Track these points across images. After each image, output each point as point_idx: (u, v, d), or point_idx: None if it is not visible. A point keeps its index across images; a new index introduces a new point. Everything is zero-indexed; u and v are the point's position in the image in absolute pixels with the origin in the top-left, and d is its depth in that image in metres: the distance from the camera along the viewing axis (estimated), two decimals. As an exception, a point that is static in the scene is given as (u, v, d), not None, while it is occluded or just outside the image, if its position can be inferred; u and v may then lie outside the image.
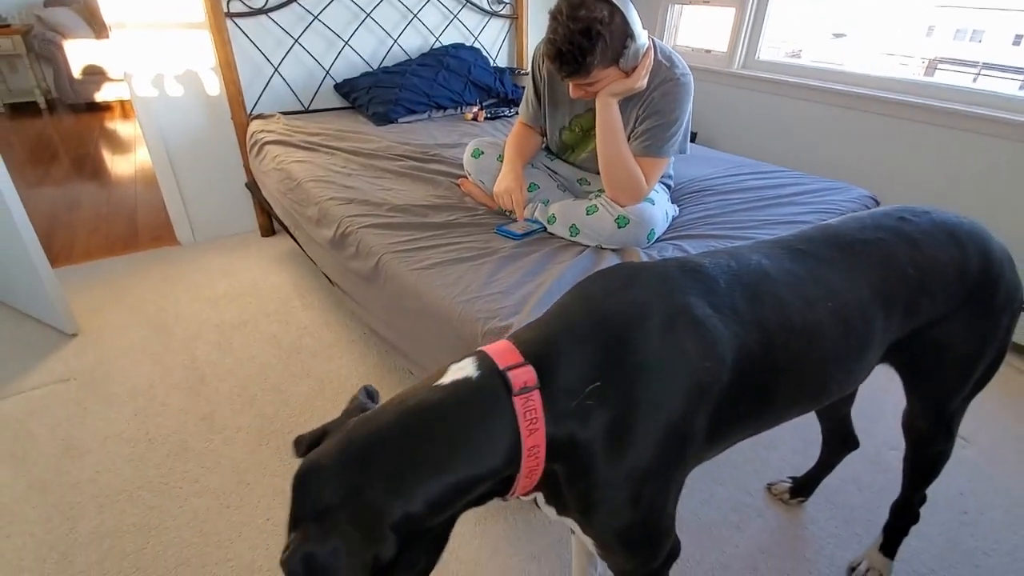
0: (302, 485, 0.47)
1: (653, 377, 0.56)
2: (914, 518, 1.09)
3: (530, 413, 0.50)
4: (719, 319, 0.61)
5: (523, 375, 0.51)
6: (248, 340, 1.79)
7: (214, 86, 2.17)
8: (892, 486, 1.10)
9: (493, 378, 0.52)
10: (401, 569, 0.49)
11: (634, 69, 1.27)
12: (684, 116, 1.34)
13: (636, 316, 0.58)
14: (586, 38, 1.17)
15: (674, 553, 0.71)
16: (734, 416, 0.65)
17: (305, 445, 0.53)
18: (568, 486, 0.56)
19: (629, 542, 0.63)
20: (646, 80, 1.29)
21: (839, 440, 1.22)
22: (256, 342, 1.78)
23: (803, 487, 1.29)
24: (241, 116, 2.18)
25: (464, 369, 0.54)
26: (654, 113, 1.32)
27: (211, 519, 1.22)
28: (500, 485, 0.52)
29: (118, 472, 1.32)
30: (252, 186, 2.25)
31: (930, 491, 1.06)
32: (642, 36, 1.25)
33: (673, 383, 0.57)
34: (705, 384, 0.59)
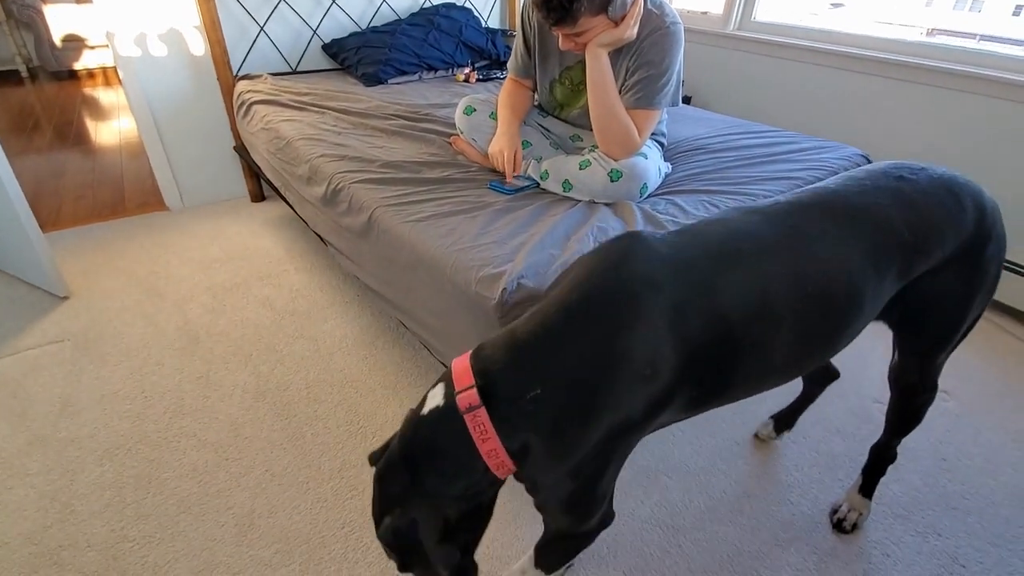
0: (381, 481, 0.67)
1: (586, 384, 0.62)
2: (892, 458, 1.13)
3: (479, 428, 0.61)
4: (674, 319, 0.63)
5: (467, 398, 0.62)
6: (241, 303, 1.79)
7: (199, 46, 2.12)
8: (875, 436, 1.14)
9: (451, 402, 0.63)
10: (463, 530, 0.68)
11: (623, 18, 1.25)
12: (675, 66, 1.33)
13: (579, 321, 0.63)
14: None
15: (606, 521, 0.79)
16: (690, 400, 0.69)
17: (377, 456, 0.70)
18: (523, 471, 0.67)
19: (566, 508, 0.74)
20: (636, 30, 1.28)
21: (819, 371, 1.25)
22: (249, 304, 1.78)
23: (786, 420, 1.33)
24: (227, 77, 2.14)
25: (435, 398, 0.66)
26: (645, 64, 1.30)
27: (210, 471, 1.24)
28: (493, 474, 0.65)
29: (116, 428, 1.34)
30: (240, 149, 2.22)
31: (910, 440, 1.09)
32: None
33: (608, 389, 0.62)
34: (644, 386, 0.64)
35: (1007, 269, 1.88)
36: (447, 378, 0.66)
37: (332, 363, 1.55)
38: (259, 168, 1.99)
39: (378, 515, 0.67)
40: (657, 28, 1.29)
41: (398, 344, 1.64)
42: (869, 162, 1.69)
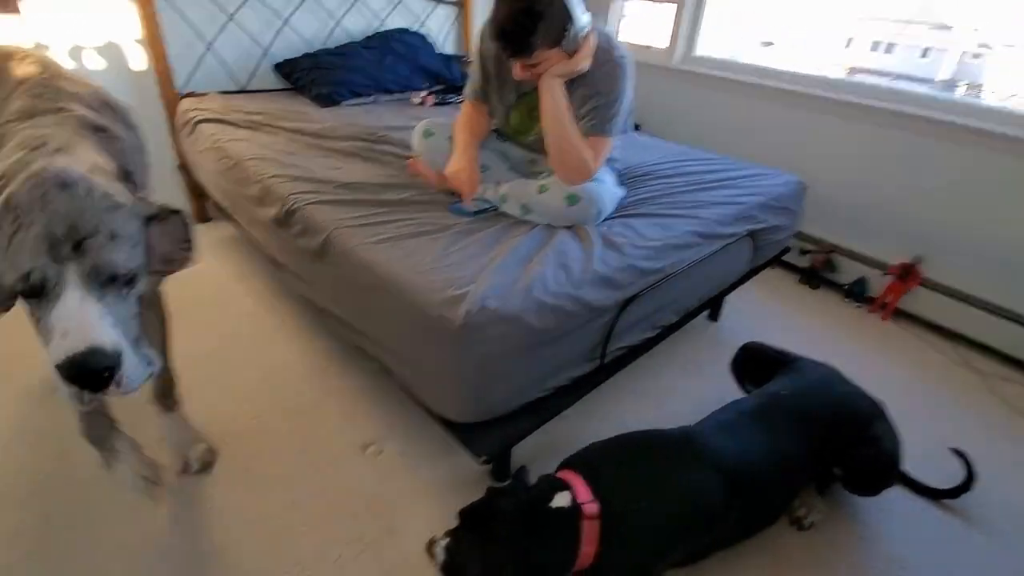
0: (496, 529, 0.91)
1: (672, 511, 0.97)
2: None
3: (591, 534, 0.90)
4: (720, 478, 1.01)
5: (590, 510, 0.91)
6: (182, 328, 1.68)
7: (139, 61, 2.03)
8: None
9: (576, 508, 0.91)
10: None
11: (576, 51, 1.31)
12: (625, 95, 1.39)
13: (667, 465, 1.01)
14: (528, 17, 1.20)
15: None
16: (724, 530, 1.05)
17: (468, 512, 0.95)
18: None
19: None
20: (588, 62, 1.33)
21: None
22: (193, 329, 1.68)
23: None
24: (171, 94, 2.05)
25: (564, 499, 0.92)
26: (596, 94, 1.36)
27: (148, 511, 1.14)
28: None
29: (36, 466, 1.22)
30: (183, 168, 2.13)
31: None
32: (583, 19, 1.28)
33: (683, 515, 0.97)
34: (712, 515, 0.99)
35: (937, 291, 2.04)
36: (566, 486, 0.94)
37: (282, 391, 1.49)
38: (205, 188, 1.91)
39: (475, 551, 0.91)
40: (607, 60, 1.35)
41: (352, 370, 1.59)
42: (805, 188, 1.81)
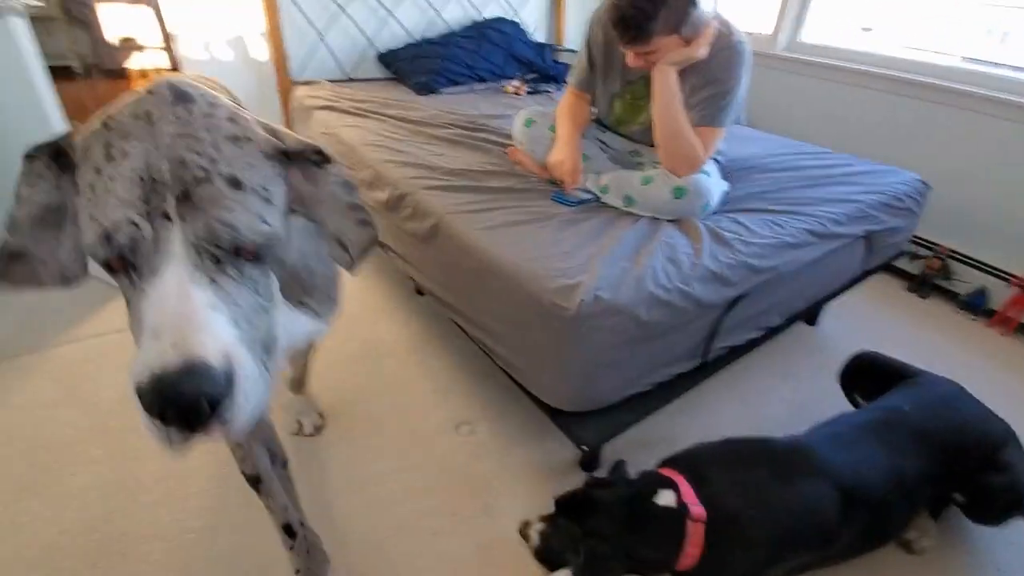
0: (596, 520, 0.92)
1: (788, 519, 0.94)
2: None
3: (696, 536, 0.89)
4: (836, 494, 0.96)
5: (698, 513, 0.89)
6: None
7: (261, 51, 2.18)
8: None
9: (684, 509, 0.90)
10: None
11: (694, 37, 1.27)
12: (741, 84, 1.34)
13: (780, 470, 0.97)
14: (650, 3, 1.18)
15: None
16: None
17: (566, 500, 0.97)
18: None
19: None
20: (706, 49, 1.29)
21: None
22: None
23: None
24: (286, 82, 2.19)
25: (668, 498, 0.91)
26: (711, 82, 1.31)
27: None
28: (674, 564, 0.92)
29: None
30: (294, 153, 2.27)
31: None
32: (704, 3, 1.24)
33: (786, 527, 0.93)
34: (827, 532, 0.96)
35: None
36: (671, 485, 0.93)
37: (382, 367, 1.57)
38: (313, 171, 2.03)
39: (574, 539, 0.92)
40: (725, 47, 1.31)
41: (448, 349, 1.65)
42: (927, 187, 1.67)
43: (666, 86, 1.30)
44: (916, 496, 1.08)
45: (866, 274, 1.64)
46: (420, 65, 2.28)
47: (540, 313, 0.99)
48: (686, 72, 1.33)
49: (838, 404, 1.29)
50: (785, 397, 1.57)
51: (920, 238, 2.17)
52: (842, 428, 1.09)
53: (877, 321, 1.98)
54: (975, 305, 2.03)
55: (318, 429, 1.35)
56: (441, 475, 1.28)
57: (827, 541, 0.95)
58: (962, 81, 1.98)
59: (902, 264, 2.22)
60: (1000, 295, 1.98)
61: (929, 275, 2.14)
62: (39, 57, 1.46)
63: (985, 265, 2.02)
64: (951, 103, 1.99)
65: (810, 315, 1.91)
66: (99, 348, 1.58)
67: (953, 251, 2.10)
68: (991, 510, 1.12)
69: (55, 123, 1.52)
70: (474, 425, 1.42)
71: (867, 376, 1.32)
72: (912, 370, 1.26)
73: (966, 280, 2.09)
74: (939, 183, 2.05)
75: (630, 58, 1.31)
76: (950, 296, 2.13)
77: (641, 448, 1.33)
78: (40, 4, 1.62)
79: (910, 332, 1.93)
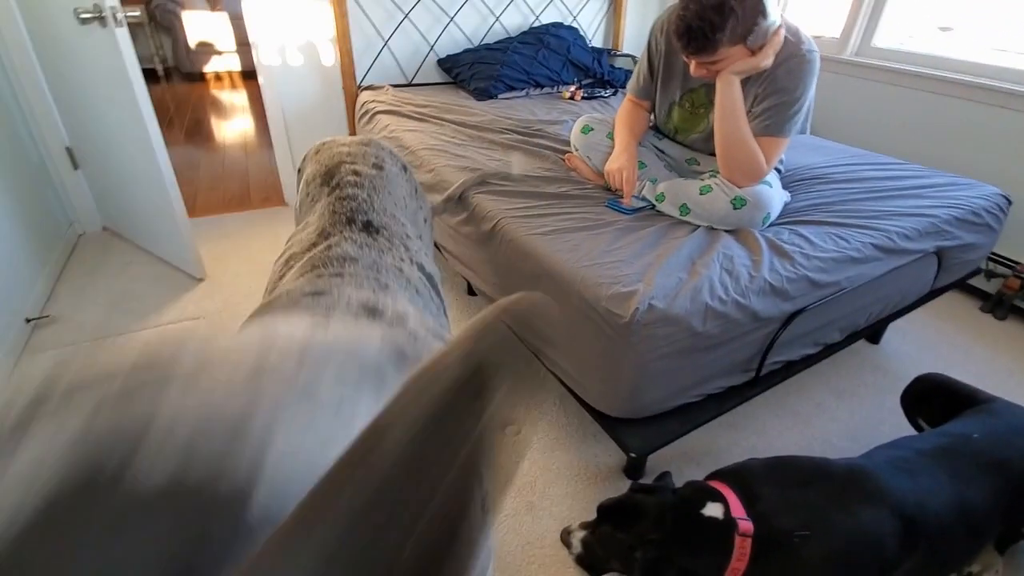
0: (646, 527, 0.93)
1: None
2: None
3: (742, 549, 0.88)
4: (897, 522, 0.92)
5: (746, 527, 0.88)
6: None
7: (329, 57, 2.29)
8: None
9: (731, 521, 0.89)
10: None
11: (760, 47, 1.25)
12: (808, 94, 1.31)
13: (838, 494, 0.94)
14: (718, 14, 1.16)
15: None
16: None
17: (608, 507, 0.97)
18: None
19: None
20: (772, 59, 1.27)
21: None
22: (359, 299, 1.89)
23: None
24: (352, 86, 2.30)
25: (716, 510, 0.91)
26: (777, 91, 1.29)
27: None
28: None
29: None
30: (356, 154, 2.37)
31: None
32: (773, 14, 1.22)
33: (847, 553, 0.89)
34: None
35: None
36: (719, 497, 0.92)
37: (435, 362, 1.62)
38: (374, 172, 2.12)
39: (621, 547, 0.93)
40: (793, 55, 1.28)
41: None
42: (1010, 203, 1.57)
43: (729, 96, 1.29)
44: (982, 529, 1.03)
45: (937, 292, 1.56)
46: (478, 71, 2.33)
47: (594, 319, 1.01)
48: (750, 81, 1.31)
49: (898, 428, 1.24)
50: (841, 417, 1.52)
51: (998, 255, 2.04)
52: (905, 453, 1.05)
53: (947, 342, 1.88)
54: (1059, 329, 1.90)
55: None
56: (488, 471, 1.31)
57: (883, 571, 0.93)
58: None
59: (978, 283, 2.09)
60: (1088, 320, 1.84)
61: (1007, 295, 2.01)
62: (137, 64, 1.59)
63: (1072, 287, 1.88)
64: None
65: (874, 333, 1.83)
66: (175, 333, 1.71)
67: (1036, 270, 1.96)
68: None
69: (148, 122, 1.65)
70: (519, 425, 1.44)
71: (933, 400, 1.26)
72: (983, 396, 1.20)
73: (1050, 302, 1.95)
74: (1022, 196, 1.93)
75: (693, 68, 1.30)
76: (1031, 318, 1.99)
77: (687, 460, 1.32)
78: (136, 14, 1.76)
79: (983, 355, 1.83)
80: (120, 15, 1.54)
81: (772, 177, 1.42)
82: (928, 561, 0.97)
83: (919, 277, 1.43)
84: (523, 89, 2.37)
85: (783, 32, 1.26)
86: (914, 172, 1.65)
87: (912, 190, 1.52)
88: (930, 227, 1.36)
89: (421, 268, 0.75)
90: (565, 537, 1.01)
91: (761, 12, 1.18)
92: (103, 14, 1.51)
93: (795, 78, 1.28)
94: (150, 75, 5.01)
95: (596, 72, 2.53)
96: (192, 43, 4.78)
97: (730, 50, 1.22)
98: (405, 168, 0.97)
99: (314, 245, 0.70)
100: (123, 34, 1.55)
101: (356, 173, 0.84)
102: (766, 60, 1.26)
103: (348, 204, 0.77)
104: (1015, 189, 1.88)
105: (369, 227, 0.75)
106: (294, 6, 2.16)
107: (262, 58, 2.20)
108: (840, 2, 2.41)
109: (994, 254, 2.04)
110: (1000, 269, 2.05)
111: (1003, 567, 1.12)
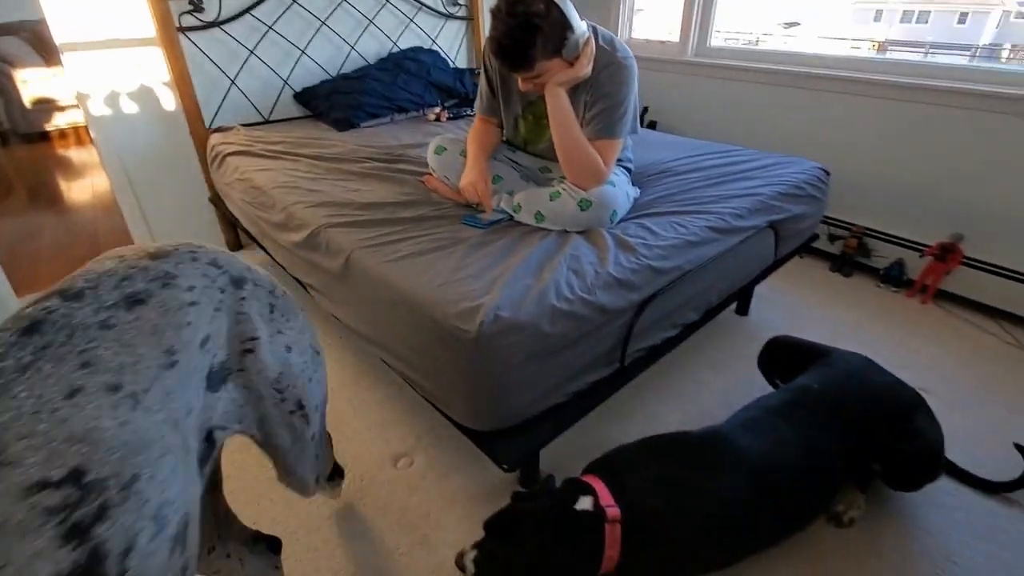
0: (521, 527, 0.93)
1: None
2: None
3: (612, 536, 0.91)
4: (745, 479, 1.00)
5: (612, 512, 0.92)
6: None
7: (170, 102, 2.15)
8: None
9: (600, 512, 0.92)
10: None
11: (576, 58, 1.32)
12: (631, 96, 1.39)
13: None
14: (525, 32, 1.22)
15: None
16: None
17: (493, 521, 0.96)
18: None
19: None
20: (590, 68, 1.34)
21: None
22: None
23: None
24: (200, 130, 2.16)
25: (586, 503, 0.93)
26: (603, 96, 1.36)
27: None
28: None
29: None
30: (215, 200, 2.23)
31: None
32: (580, 26, 1.29)
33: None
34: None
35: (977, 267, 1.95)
36: (589, 490, 0.94)
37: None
38: (235, 217, 2.00)
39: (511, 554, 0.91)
40: (611, 62, 1.36)
41: (381, 383, 1.63)
42: (828, 174, 1.76)
43: (559, 106, 1.34)
44: (832, 472, 1.11)
45: (781, 261, 1.70)
46: (338, 101, 2.28)
47: (445, 338, 1.00)
48: (577, 90, 1.37)
49: (767, 391, 1.33)
50: (719, 388, 1.61)
51: (837, 219, 2.28)
52: (755, 413, 1.13)
53: (805, 304, 2.06)
54: (895, 277, 2.14)
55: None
56: (383, 512, 1.25)
57: (741, 528, 0.97)
58: (867, 70, 2.11)
59: (824, 246, 2.33)
60: (916, 266, 2.09)
61: (849, 254, 2.25)
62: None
63: (900, 239, 2.13)
64: (859, 92, 2.11)
65: (742, 305, 1.97)
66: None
67: (869, 229, 2.21)
68: (907, 476, 1.17)
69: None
70: (412, 456, 1.40)
71: (783, 360, 1.37)
72: (823, 349, 1.31)
73: (884, 255, 2.20)
74: (853, 167, 2.17)
75: (520, 83, 1.35)
76: (871, 272, 2.24)
77: (584, 457, 1.33)
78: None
79: (837, 310, 2.02)
80: None
81: (617, 176, 1.49)
82: (784, 508, 1.04)
83: (760, 250, 1.55)
84: (386, 115, 2.35)
85: (593, 42, 1.33)
86: (748, 156, 1.80)
87: (744, 173, 1.65)
88: (759, 204, 1.48)
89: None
90: (459, 560, 0.98)
91: (567, 26, 1.24)
92: None
93: (616, 83, 1.36)
94: (-19, 140, 4.46)
95: (460, 91, 2.56)
96: (28, 102, 4.33)
97: (547, 64, 1.27)
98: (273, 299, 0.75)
99: None
100: None
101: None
102: (584, 69, 1.32)
103: None
104: (839, 161, 2.12)
105: None
106: (120, 53, 2.00)
107: (92, 109, 2.02)
108: (678, 9, 2.61)
109: (832, 219, 2.28)
110: (840, 232, 2.28)
111: (864, 503, 1.21)
